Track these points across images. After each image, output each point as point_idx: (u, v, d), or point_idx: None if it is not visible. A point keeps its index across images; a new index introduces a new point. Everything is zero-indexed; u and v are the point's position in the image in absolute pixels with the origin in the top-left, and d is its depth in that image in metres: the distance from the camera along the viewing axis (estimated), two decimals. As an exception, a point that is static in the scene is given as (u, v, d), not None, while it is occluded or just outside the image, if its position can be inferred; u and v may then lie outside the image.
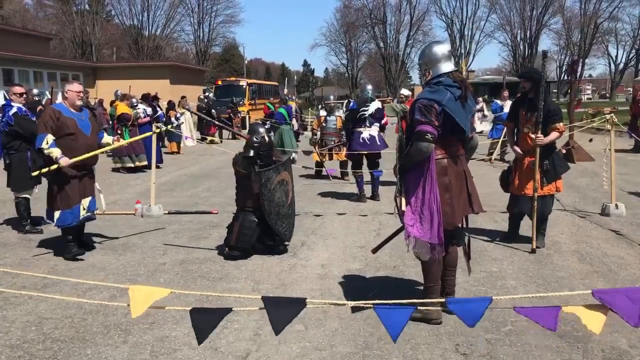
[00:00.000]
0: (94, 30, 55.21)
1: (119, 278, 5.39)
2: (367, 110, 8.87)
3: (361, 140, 8.85)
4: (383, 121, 9.22)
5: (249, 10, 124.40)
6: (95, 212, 6.31)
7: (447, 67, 4.19)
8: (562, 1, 63.62)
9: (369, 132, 8.91)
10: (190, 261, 5.92)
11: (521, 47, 66.19)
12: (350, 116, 9.13)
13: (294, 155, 13.78)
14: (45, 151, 5.77)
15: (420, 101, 4.09)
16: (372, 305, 2.36)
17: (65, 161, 5.76)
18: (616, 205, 7.71)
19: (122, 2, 59.32)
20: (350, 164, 9.89)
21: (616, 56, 66.57)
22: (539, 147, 5.99)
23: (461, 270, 5.39)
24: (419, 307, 4.15)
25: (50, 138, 5.74)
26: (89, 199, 6.09)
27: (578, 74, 15.41)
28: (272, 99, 30.95)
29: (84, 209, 6.01)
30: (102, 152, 6.45)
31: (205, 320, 2.39)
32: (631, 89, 17.54)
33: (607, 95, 62.35)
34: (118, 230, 7.32)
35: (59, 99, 16.52)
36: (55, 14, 56.73)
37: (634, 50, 65.03)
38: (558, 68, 67.57)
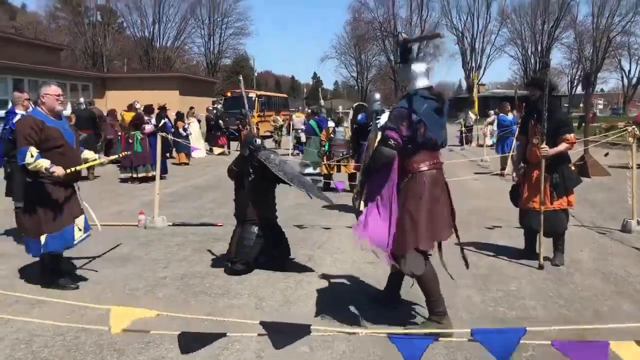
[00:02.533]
0: (105, 41, 55.54)
1: (117, 292, 5.14)
2: (378, 121, 8.58)
3: None
4: None
5: (259, 22, 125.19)
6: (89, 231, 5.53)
7: (421, 83, 4.27)
8: (574, 15, 63.41)
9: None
10: (192, 275, 5.66)
11: (532, 60, 65.86)
12: (359, 129, 8.86)
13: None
14: (31, 166, 4.87)
15: (395, 109, 4.25)
16: (386, 335, 2.08)
17: (60, 170, 4.91)
18: (637, 222, 7.38)
19: (134, 14, 59.79)
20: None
21: (629, 70, 66.07)
22: (544, 159, 5.74)
23: (476, 289, 5.14)
24: (434, 321, 4.10)
25: (34, 151, 4.87)
26: (82, 217, 5.32)
27: (591, 87, 15.12)
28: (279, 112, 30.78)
29: (79, 229, 5.25)
30: (103, 164, 5.88)
31: (196, 345, 2.12)
32: None
33: (620, 109, 61.53)
34: (119, 242, 7.08)
35: (68, 109, 16.42)
36: (67, 25, 57.10)
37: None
38: (569, 82, 67.13)
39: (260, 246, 5.65)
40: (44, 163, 4.88)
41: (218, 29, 64.20)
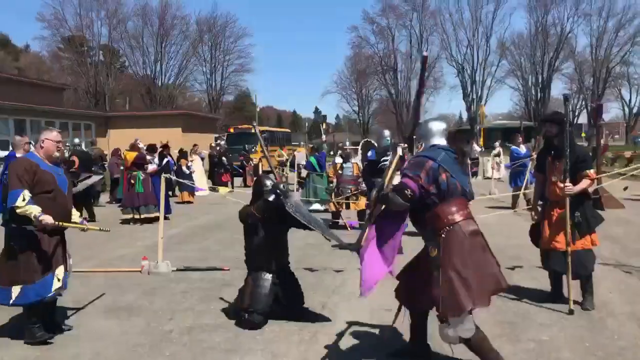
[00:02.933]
0: (108, 80, 55.89)
1: (119, 350, 4.79)
2: (387, 159, 8.32)
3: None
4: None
5: (261, 58, 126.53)
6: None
7: (439, 142, 4.16)
8: (572, 46, 63.83)
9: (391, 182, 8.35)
10: (200, 328, 5.30)
11: (533, 91, 66.08)
12: (369, 167, 8.58)
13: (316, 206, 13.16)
14: (20, 210, 4.63)
15: (414, 157, 4.14)
16: None
17: (49, 220, 4.67)
18: (664, 259, 7.04)
19: (136, 53, 60.21)
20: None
21: (630, 99, 66.21)
22: (568, 197, 5.46)
23: (505, 339, 4.79)
24: None
25: (27, 194, 4.66)
26: (62, 268, 4.97)
27: (601, 118, 14.99)
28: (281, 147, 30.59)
29: (58, 280, 4.89)
30: (84, 230, 5.33)
31: None
32: None
33: (614, 137, 61.25)
34: (122, 290, 6.75)
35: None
36: (70, 65, 57.53)
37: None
38: (571, 112, 67.05)
39: (275, 294, 5.29)
40: (34, 210, 4.66)
41: (220, 66, 64.70)
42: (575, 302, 5.56)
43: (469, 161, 4.13)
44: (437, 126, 4.22)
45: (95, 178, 13.24)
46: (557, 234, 5.63)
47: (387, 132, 8.83)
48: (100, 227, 5.88)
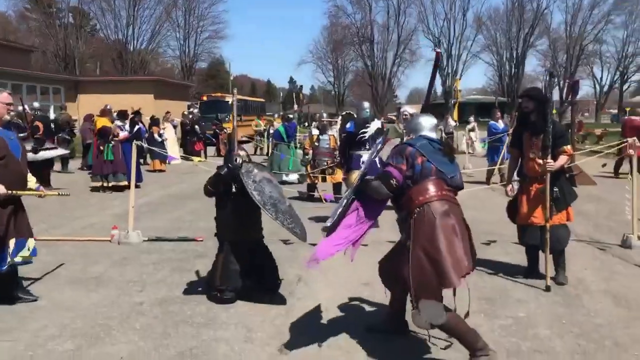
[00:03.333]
0: (78, 43, 54.27)
1: (88, 322, 4.62)
2: (366, 132, 8.17)
3: (361, 164, 8.18)
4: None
5: (235, 26, 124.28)
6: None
7: (430, 135, 4.10)
8: (547, 23, 64.14)
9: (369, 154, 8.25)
10: (172, 300, 5.15)
11: (507, 67, 66.40)
12: (348, 139, 8.41)
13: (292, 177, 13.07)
14: None
15: (396, 146, 4.09)
16: None
17: (1, 189, 4.46)
18: (638, 237, 7.09)
19: (107, 16, 58.48)
20: (344, 186, 9.24)
21: (601, 78, 67.09)
22: (549, 173, 5.45)
23: (483, 315, 4.76)
24: (480, 356, 3.67)
25: None
26: (13, 240, 4.72)
27: (577, 95, 15.06)
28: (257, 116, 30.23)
29: (28, 249, 4.82)
30: (41, 196, 5.06)
31: None
32: (616, 110, 17.27)
33: (583, 114, 62.02)
34: (91, 260, 6.55)
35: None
36: (38, 26, 55.64)
37: (618, 72, 65.57)
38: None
39: (248, 269, 5.12)
40: None
41: (193, 32, 63.33)
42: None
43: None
44: (427, 121, 4.18)
45: (59, 152, 12.80)
46: (535, 209, 5.63)
47: (366, 104, 8.65)
48: (59, 192, 5.65)
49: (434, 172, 3.86)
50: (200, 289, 5.42)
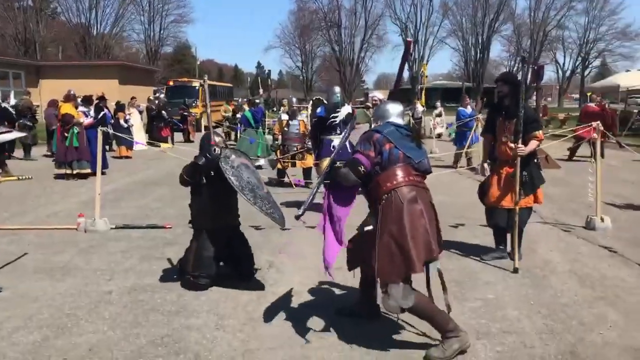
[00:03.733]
0: (38, 27, 52.66)
1: (55, 312, 4.52)
2: (337, 116, 8.16)
3: (332, 148, 8.19)
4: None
5: (201, 10, 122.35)
6: None
7: (397, 121, 4.14)
8: (512, 8, 64.89)
9: (340, 139, 8.25)
10: (141, 288, 5.08)
11: (473, 52, 67.02)
12: (319, 124, 8.40)
13: (261, 162, 13.05)
14: None
15: (364, 133, 4.09)
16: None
17: None
18: (601, 219, 7.26)
19: (69, -1, 56.86)
20: (314, 171, 9.21)
21: (563, 63, 68.30)
22: (520, 158, 5.58)
23: (453, 298, 4.79)
24: (451, 337, 3.71)
25: None
26: None
27: (542, 80, 15.31)
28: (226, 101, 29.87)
29: None
30: None
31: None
32: (577, 95, 17.69)
33: (547, 99, 63.14)
34: (56, 249, 6.40)
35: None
36: (-5, 9, 53.78)
37: (580, 58, 66.79)
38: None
39: (224, 256, 5.07)
40: None
41: (158, 16, 62.14)
42: (508, 254, 5.89)
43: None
44: (394, 108, 4.22)
45: (15, 135, 12.41)
46: (505, 192, 5.78)
47: (337, 89, 8.63)
48: (18, 177, 5.49)
49: (401, 159, 3.87)
50: (173, 276, 5.34)
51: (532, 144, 5.68)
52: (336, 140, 8.19)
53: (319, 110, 8.80)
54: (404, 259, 3.64)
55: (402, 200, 3.74)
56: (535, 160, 5.93)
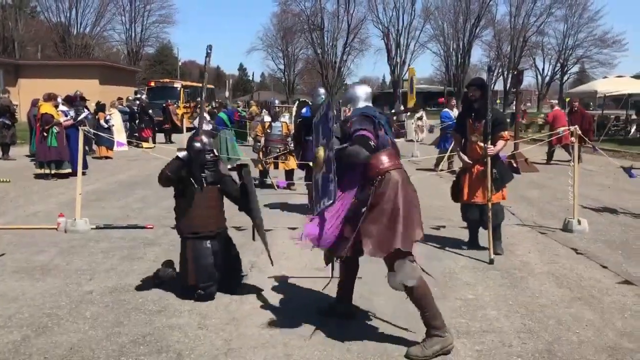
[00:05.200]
0: (17, 26, 51.95)
1: (36, 312, 4.49)
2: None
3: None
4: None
5: (184, 11, 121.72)
6: None
7: (366, 104, 4.21)
8: (493, 14, 65.52)
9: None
10: (123, 288, 5.06)
11: (454, 57, 67.52)
12: (303, 124, 8.44)
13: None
14: None
15: (354, 116, 4.04)
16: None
17: None
18: (579, 221, 7.39)
19: (48, -3, 56.18)
20: (296, 173, 9.22)
21: (543, 69, 69.11)
22: (489, 157, 6.01)
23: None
24: (434, 336, 3.78)
25: None
26: None
27: (521, 84, 15.52)
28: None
29: None
30: None
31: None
32: (555, 101, 18.09)
33: (526, 104, 63.89)
34: (36, 249, 6.35)
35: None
36: (-27, 7, 52.98)
37: (559, 64, 67.65)
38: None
39: (215, 261, 4.81)
40: None
41: (140, 16, 61.62)
42: (484, 248, 6.23)
43: (396, 124, 4.23)
44: (363, 90, 4.33)
45: None
46: (477, 189, 6.24)
47: (322, 90, 8.67)
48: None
49: (390, 144, 4.03)
50: (151, 276, 5.33)
51: (500, 144, 6.14)
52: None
53: (304, 110, 8.84)
54: (395, 236, 3.70)
55: (398, 180, 3.85)
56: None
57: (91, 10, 57.62)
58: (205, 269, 4.72)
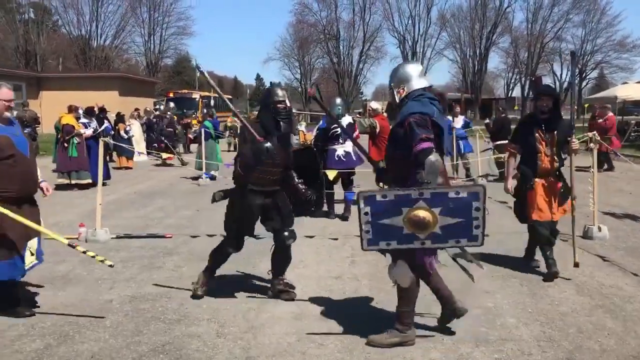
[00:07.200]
0: (39, 39, 52.93)
1: (58, 321, 4.56)
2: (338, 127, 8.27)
3: (337, 158, 8.36)
4: (354, 135, 8.58)
5: (201, 22, 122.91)
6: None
7: (422, 83, 4.09)
8: (510, 21, 65.20)
9: (343, 148, 8.45)
10: (142, 297, 5.12)
11: (470, 64, 67.23)
12: (321, 135, 8.56)
13: (213, 173, 13.29)
14: None
15: (414, 116, 3.84)
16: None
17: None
18: (599, 228, 7.31)
19: (70, 12, 57.23)
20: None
21: (561, 74, 68.48)
22: (574, 154, 5.68)
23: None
24: (397, 330, 4.01)
25: None
26: (35, 240, 4.60)
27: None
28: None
29: (32, 254, 4.54)
30: None
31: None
32: (609, 105, 17.78)
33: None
34: (58, 259, 6.43)
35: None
36: (-4, 22, 54.13)
37: (577, 70, 66.99)
38: (506, 85, 69.13)
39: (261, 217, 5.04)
40: None
41: (159, 28, 62.41)
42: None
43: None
44: (414, 68, 4.17)
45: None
46: (552, 204, 5.69)
47: (338, 100, 8.79)
48: None
49: (438, 147, 3.90)
50: (171, 285, 5.39)
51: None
52: (340, 150, 8.35)
53: (321, 122, 8.94)
54: None
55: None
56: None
57: (111, 23, 58.60)
58: (245, 223, 4.92)
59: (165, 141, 18.20)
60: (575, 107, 15.84)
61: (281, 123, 4.81)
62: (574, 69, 5.86)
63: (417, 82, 4.07)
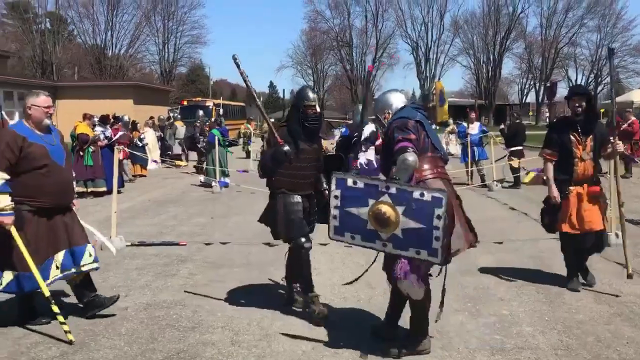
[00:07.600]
0: (55, 49, 53.63)
1: (74, 329, 4.55)
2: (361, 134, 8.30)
3: (358, 166, 8.34)
4: (377, 143, 8.57)
5: (215, 30, 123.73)
6: (85, 266, 4.69)
7: (401, 102, 4.23)
8: (523, 27, 64.91)
9: (365, 156, 8.46)
10: (157, 305, 5.13)
11: (484, 70, 66.97)
12: (344, 143, 8.57)
13: (227, 180, 13.33)
14: None
15: (395, 122, 4.01)
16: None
17: (8, 220, 4.12)
18: (616, 235, 7.21)
19: (85, 22, 57.98)
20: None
21: (576, 80, 67.91)
22: (618, 155, 5.47)
23: (467, 314, 4.83)
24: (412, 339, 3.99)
25: (3, 176, 4.13)
26: (62, 253, 4.50)
27: (555, 96, 15.24)
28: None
29: (57, 267, 4.48)
30: None
31: None
32: (630, 109, 17.46)
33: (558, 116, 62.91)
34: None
35: (16, 118, 15.44)
36: (14, 32, 54.93)
37: (592, 75, 66.49)
38: (520, 91, 68.83)
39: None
40: (3, 201, 4.09)
41: (173, 37, 62.96)
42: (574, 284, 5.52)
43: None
44: (396, 98, 4.27)
45: None
46: (592, 213, 5.33)
47: (360, 107, 8.79)
48: None
49: (430, 149, 3.94)
50: (185, 293, 5.40)
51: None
52: (362, 158, 8.34)
53: (343, 130, 8.97)
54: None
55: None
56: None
57: (126, 32, 59.23)
58: (295, 223, 4.75)
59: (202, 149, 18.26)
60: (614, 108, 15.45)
61: (308, 127, 4.78)
62: (612, 65, 5.46)
63: (400, 104, 4.19)
